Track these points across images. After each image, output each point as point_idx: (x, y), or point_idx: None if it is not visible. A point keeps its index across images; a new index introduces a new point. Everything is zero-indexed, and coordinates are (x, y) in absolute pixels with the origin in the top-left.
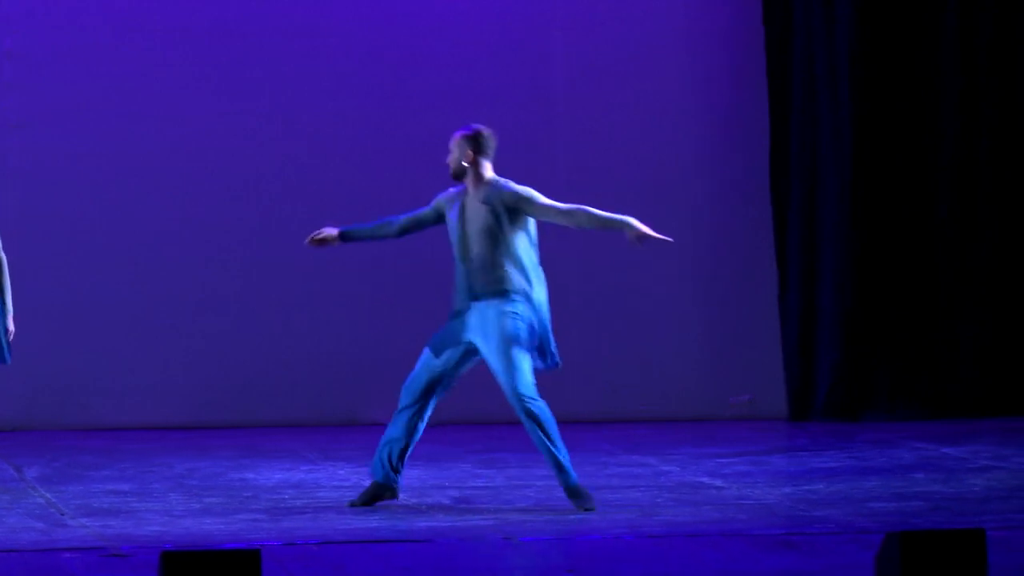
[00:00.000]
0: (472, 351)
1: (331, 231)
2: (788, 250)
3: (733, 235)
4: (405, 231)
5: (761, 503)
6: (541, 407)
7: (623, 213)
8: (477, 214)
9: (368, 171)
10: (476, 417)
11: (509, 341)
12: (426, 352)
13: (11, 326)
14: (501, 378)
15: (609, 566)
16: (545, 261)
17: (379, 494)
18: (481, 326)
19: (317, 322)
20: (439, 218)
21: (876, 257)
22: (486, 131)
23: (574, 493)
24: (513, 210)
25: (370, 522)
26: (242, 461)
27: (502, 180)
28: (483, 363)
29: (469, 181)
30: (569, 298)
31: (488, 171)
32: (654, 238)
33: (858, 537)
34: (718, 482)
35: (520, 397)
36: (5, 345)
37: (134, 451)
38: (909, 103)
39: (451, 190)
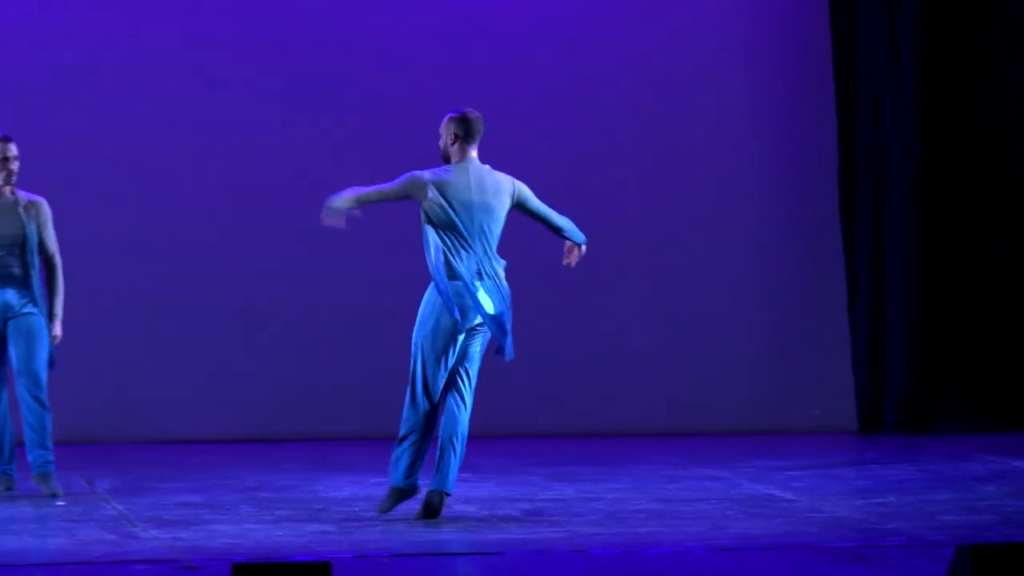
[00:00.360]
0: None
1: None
2: (857, 262)
3: (801, 247)
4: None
5: (832, 516)
6: None
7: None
8: None
9: None
10: (545, 430)
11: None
12: None
13: (58, 331)
14: None
15: None
16: (613, 274)
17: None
18: None
19: (388, 334)
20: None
21: (945, 269)
22: (472, 114)
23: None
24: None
25: (440, 534)
26: (312, 473)
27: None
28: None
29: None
30: (637, 312)
31: (466, 155)
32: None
33: (929, 550)
34: (788, 495)
35: None
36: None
37: (205, 463)
38: (977, 112)
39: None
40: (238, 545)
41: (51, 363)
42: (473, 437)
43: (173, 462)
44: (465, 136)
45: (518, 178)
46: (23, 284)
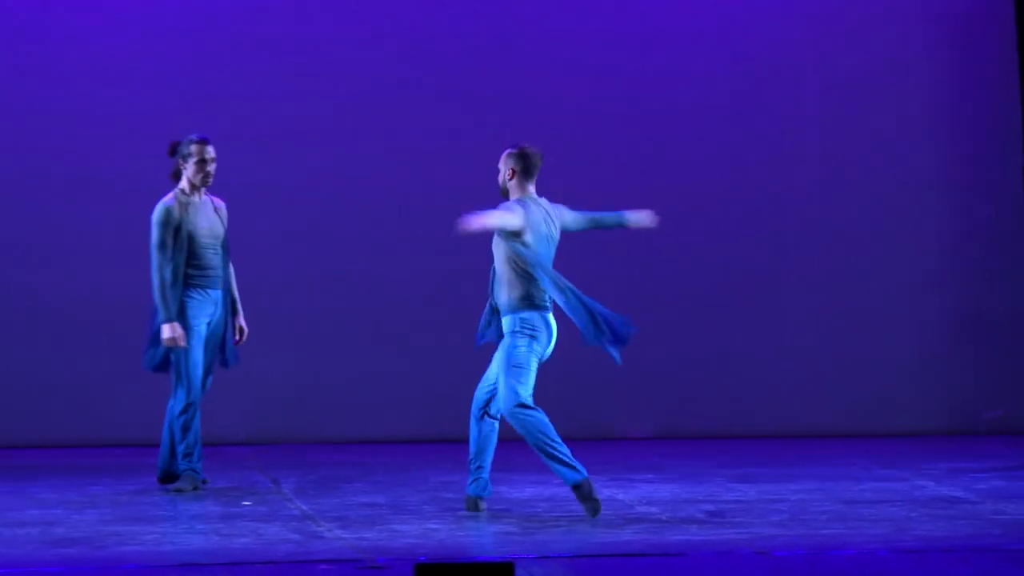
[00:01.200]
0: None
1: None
2: None
3: (985, 247)
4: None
5: (1016, 518)
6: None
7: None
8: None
9: (620, 186)
10: (728, 432)
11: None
12: None
13: (243, 324)
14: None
15: None
16: (792, 275)
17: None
18: None
19: (571, 336)
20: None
21: None
22: (531, 149)
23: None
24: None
25: (623, 535)
26: (495, 474)
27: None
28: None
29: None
30: (818, 313)
31: (525, 191)
32: None
33: None
34: (972, 497)
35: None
36: (230, 347)
37: (389, 464)
38: None
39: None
40: (421, 545)
41: (224, 361)
42: (656, 439)
43: (358, 462)
44: (524, 171)
45: (709, 178)
46: (224, 286)
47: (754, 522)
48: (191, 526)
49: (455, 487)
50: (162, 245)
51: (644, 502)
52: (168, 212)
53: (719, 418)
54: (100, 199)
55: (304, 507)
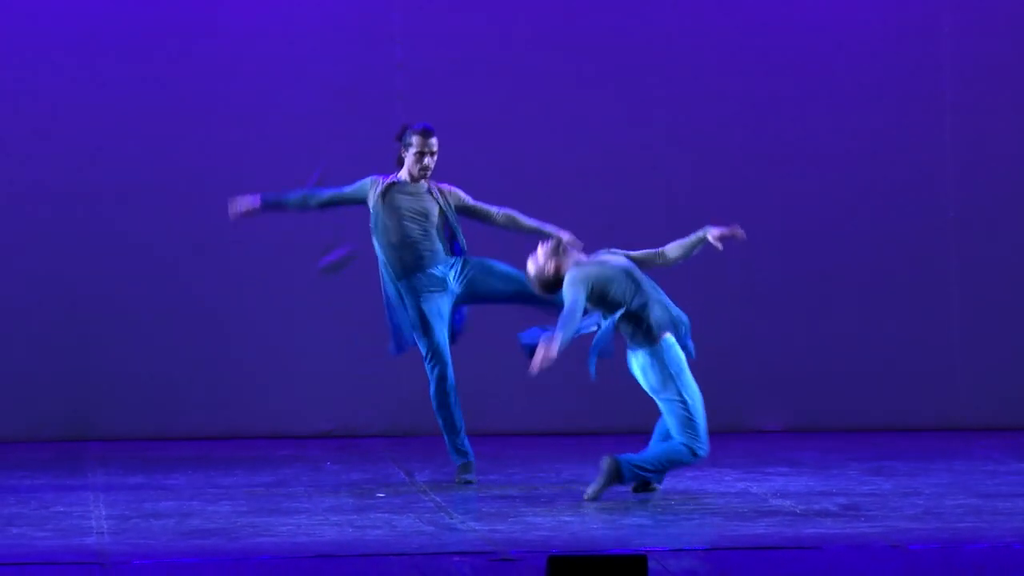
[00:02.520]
0: None
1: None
2: None
3: None
4: None
5: None
6: None
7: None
8: None
9: (757, 180)
10: (863, 425)
11: None
12: None
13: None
14: None
15: (997, 575)
16: (925, 266)
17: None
18: None
19: (708, 331)
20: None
21: None
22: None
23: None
24: None
25: (757, 528)
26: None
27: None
28: None
29: None
30: (957, 305)
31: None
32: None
33: None
34: None
35: None
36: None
37: (522, 456)
38: None
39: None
40: (554, 538)
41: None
42: (789, 432)
43: (491, 455)
44: (566, 254)
45: (835, 169)
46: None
47: (888, 515)
48: (325, 518)
49: (587, 479)
50: None
51: (778, 495)
52: None
53: (853, 411)
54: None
55: (438, 499)
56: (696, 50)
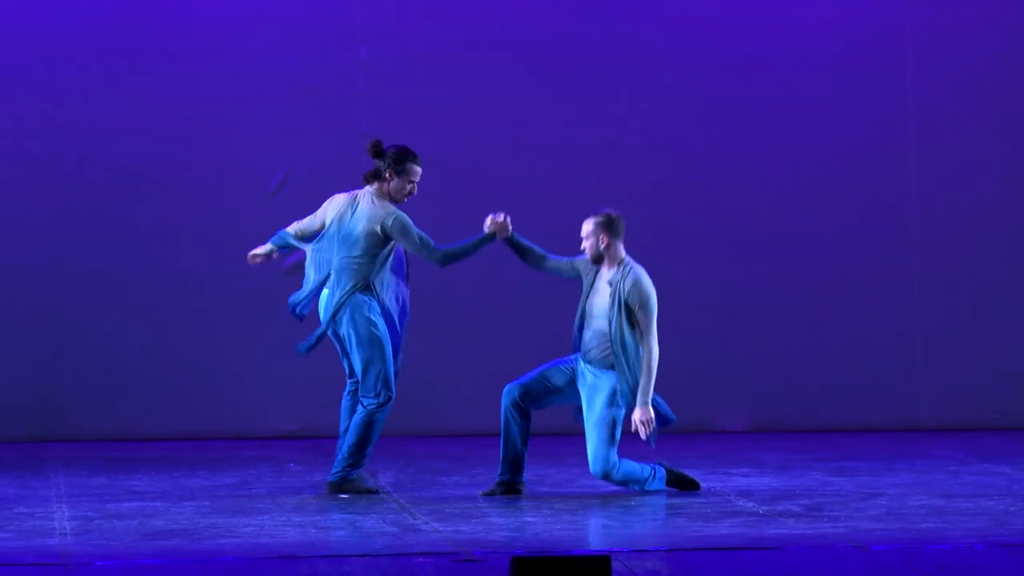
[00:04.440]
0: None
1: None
2: None
3: None
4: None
5: None
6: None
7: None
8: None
9: (722, 181)
10: (825, 425)
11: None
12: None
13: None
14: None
15: (960, 575)
16: (894, 268)
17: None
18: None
19: (671, 333)
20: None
21: None
22: (616, 215)
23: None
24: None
25: (720, 529)
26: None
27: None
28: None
29: (605, 261)
30: (919, 305)
31: (622, 252)
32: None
33: None
34: None
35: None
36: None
37: (486, 457)
38: None
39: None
40: (517, 538)
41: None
42: (753, 432)
43: (455, 455)
44: (617, 235)
45: (807, 172)
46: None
47: (851, 516)
48: (289, 519)
49: (550, 480)
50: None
51: (741, 495)
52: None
53: (816, 411)
54: (220, 193)
55: (401, 500)
56: (662, 53)
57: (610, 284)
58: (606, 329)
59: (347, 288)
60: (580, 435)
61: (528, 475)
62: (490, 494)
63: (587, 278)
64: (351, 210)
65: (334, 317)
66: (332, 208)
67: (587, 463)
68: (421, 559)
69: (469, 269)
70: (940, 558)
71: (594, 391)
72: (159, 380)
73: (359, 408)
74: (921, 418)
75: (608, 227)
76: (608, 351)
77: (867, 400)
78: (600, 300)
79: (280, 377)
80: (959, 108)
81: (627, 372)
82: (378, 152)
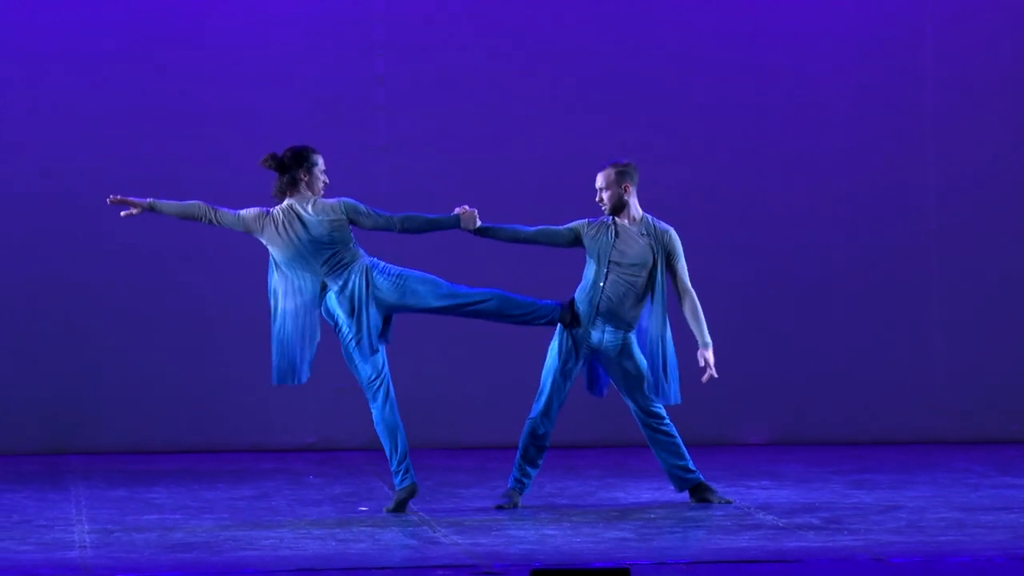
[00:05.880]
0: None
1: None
2: None
3: None
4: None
5: None
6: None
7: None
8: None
9: (741, 191)
10: (845, 438)
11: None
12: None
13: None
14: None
15: None
16: (912, 282)
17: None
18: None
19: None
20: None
21: None
22: (632, 163)
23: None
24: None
25: (740, 541)
26: (611, 479)
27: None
28: None
29: (626, 212)
30: (939, 319)
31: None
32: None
33: None
34: None
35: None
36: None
37: (506, 470)
38: None
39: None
40: (537, 551)
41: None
42: (772, 445)
43: (473, 468)
44: (635, 183)
45: (827, 182)
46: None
47: (871, 528)
48: (308, 531)
49: (569, 493)
50: None
51: (760, 508)
52: None
53: (835, 424)
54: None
55: (420, 513)
56: (681, 63)
57: (645, 235)
58: (640, 281)
59: (351, 266)
60: (598, 447)
61: (548, 487)
62: (510, 506)
63: (600, 236)
64: (293, 225)
65: (367, 290)
66: (267, 236)
67: (607, 475)
68: (441, 572)
69: (484, 279)
70: (959, 571)
71: (624, 361)
72: (178, 392)
73: None
74: (941, 430)
75: (630, 176)
76: (636, 304)
77: (886, 413)
78: (634, 252)
79: (297, 390)
80: (978, 119)
81: (662, 317)
82: (280, 163)
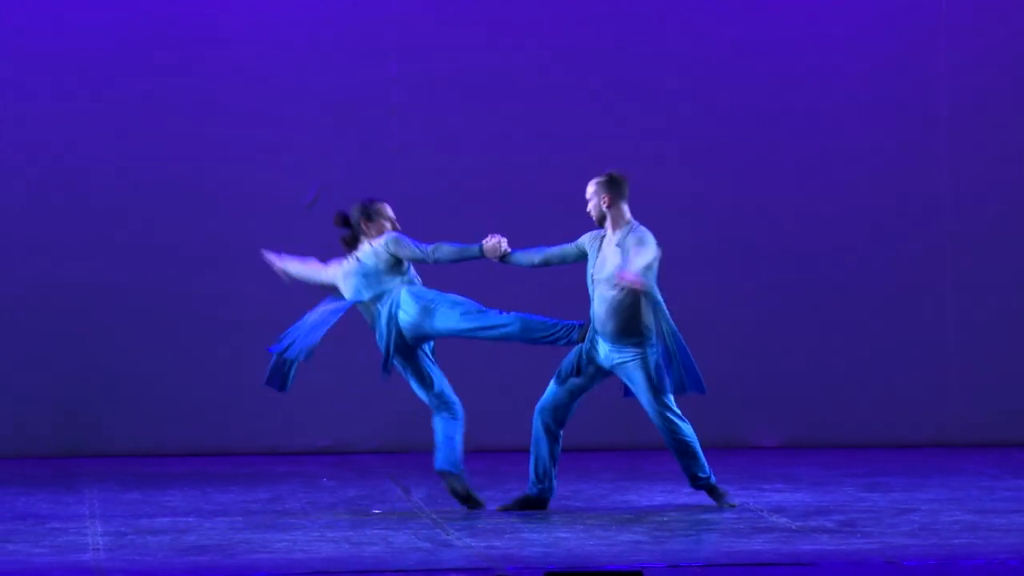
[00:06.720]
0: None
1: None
2: None
3: None
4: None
5: None
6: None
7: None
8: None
9: (754, 195)
10: (859, 441)
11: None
12: None
13: None
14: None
15: None
16: (927, 284)
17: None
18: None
19: (702, 347)
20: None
21: None
22: (619, 174)
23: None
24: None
25: (753, 544)
26: (624, 483)
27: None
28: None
29: (609, 224)
30: (954, 322)
31: (627, 214)
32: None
33: None
34: None
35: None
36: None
37: (516, 473)
38: None
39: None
40: (550, 554)
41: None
42: (785, 448)
43: (486, 471)
44: (622, 196)
45: (838, 185)
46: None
47: (884, 532)
48: (322, 534)
49: (583, 496)
50: None
51: (774, 511)
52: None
53: (849, 427)
54: (239, 209)
55: (434, 515)
56: (694, 68)
57: (618, 246)
58: (620, 295)
59: (391, 291)
60: (611, 451)
61: (561, 490)
62: (519, 509)
63: (592, 251)
64: (352, 271)
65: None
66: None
67: (620, 478)
68: (454, 575)
69: (493, 287)
70: (973, 574)
71: (631, 373)
72: (191, 395)
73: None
74: (954, 434)
75: (609, 186)
76: (623, 321)
77: (900, 416)
78: (610, 264)
79: (312, 393)
80: (992, 125)
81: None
82: (345, 220)
